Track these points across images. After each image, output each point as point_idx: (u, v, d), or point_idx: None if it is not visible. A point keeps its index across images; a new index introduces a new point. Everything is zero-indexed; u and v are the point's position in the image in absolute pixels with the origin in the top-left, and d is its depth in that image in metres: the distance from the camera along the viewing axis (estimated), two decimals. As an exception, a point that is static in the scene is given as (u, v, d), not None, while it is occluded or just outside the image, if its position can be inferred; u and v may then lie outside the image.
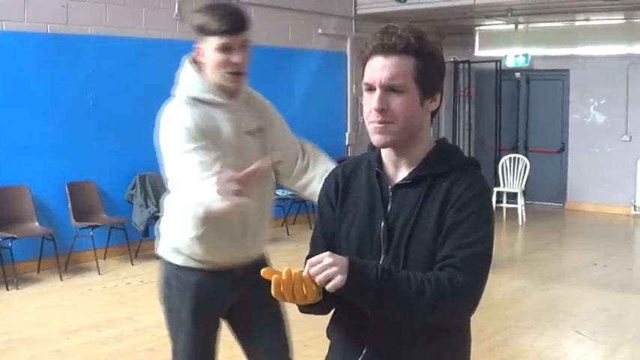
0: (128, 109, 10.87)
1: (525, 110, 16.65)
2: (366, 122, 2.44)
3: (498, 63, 16.36)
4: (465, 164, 2.57)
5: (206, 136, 3.51)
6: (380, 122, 2.37)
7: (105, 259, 10.42)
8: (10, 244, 9.10)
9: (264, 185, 3.74)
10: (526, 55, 16.16)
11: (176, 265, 3.79)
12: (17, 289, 9.02)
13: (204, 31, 3.58)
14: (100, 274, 9.81)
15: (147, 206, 10.70)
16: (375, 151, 2.58)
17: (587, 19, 14.98)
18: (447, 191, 2.40)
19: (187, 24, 11.38)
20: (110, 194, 10.76)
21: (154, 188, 10.81)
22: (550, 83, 16.04)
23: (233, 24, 3.56)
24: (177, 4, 11.48)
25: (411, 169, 2.47)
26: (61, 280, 9.53)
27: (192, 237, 3.65)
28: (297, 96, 13.75)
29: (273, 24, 13.19)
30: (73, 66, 10.30)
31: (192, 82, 3.69)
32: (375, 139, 2.42)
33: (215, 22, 3.54)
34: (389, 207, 2.46)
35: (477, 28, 16.78)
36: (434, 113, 2.54)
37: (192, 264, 3.73)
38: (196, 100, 3.62)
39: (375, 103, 2.35)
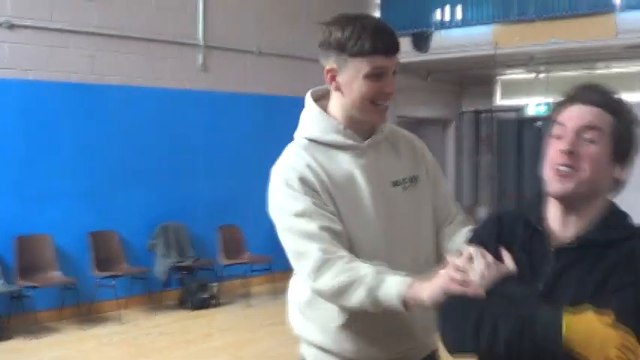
0: (151, 159, 10.91)
1: (547, 159, 16.61)
2: (547, 170, 2.26)
3: (519, 112, 16.37)
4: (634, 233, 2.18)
5: (335, 190, 2.72)
6: (566, 165, 2.17)
7: (126, 309, 10.38)
8: (31, 293, 9.09)
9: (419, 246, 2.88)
10: (547, 104, 16.14)
11: None
12: (37, 338, 8.97)
13: (346, 49, 2.66)
14: (120, 324, 9.76)
15: (169, 256, 10.69)
16: (539, 205, 2.35)
17: (607, 67, 14.99)
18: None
19: (213, 74, 11.53)
20: (132, 244, 10.75)
21: (176, 238, 10.83)
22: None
23: (390, 42, 2.67)
24: (201, 56, 11.56)
25: (580, 229, 2.19)
26: (82, 329, 9.50)
27: (338, 326, 2.75)
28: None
29: (296, 74, 13.20)
30: (97, 115, 10.36)
31: (315, 121, 2.91)
32: (555, 187, 2.20)
33: (367, 38, 2.61)
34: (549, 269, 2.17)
35: (498, 77, 16.80)
36: (618, 186, 2.26)
37: None
38: (319, 144, 2.84)
39: (564, 144, 2.17)
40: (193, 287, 10.70)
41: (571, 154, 2.16)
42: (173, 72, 11.28)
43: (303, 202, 2.66)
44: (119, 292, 10.05)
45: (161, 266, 10.67)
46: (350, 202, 2.71)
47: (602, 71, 15.21)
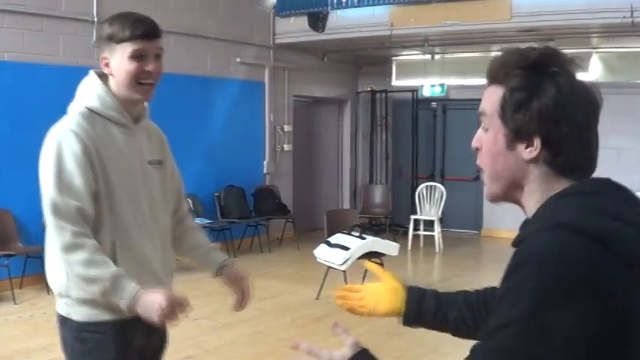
0: (43, 137, 10.73)
1: (442, 139, 16.89)
2: None
3: (415, 93, 16.60)
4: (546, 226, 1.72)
5: (100, 160, 3.20)
6: (479, 166, 1.94)
7: (21, 288, 10.24)
8: None
9: (165, 219, 3.52)
10: (442, 85, 16.41)
11: (87, 322, 3.27)
12: None
13: (113, 38, 3.21)
14: (15, 303, 9.63)
15: (63, 235, 10.57)
16: None
17: (502, 50, 15.27)
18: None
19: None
20: (26, 223, 10.59)
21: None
22: (466, 112, 16.24)
23: (148, 28, 3.23)
24: (94, 32, 11.41)
25: None
26: (15, 303, 9.36)
27: None
28: (215, 125, 13.76)
29: (192, 52, 13.20)
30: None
31: (95, 93, 3.31)
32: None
33: (128, 27, 3.18)
34: None
35: (393, 58, 16.97)
36: (545, 166, 1.83)
37: (107, 316, 3.24)
38: (96, 114, 3.28)
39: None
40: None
41: (476, 151, 1.94)
42: (66, 48, 11.12)
43: (69, 177, 3.15)
44: (13, 272, 9.91)
45: (55, 245, 10.55)
46: (119, 174, 3.25)
47: (497, 53, 15.44)
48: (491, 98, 1.88)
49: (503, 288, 1.68)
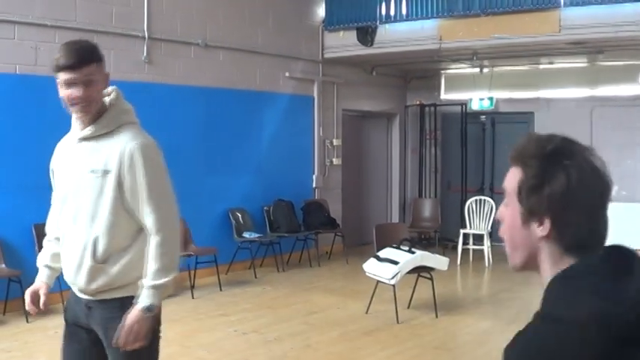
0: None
1: (491, 152, 16.79)
2: None
3: (464, 106, 16.54)
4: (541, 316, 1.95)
5: (56, 172, 3.94)
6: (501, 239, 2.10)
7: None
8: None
9: (92, 226, 3.72)
10: (491, 98, 16.35)
11: None
12: (-18, 331, 8.95)
13: (53, 69, 3.65)
14: (66, 316, 9.72)
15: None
16: None
17: (550, 63, 15.23)
18: None
19: (158, 66, 11.50)
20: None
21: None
22: (515, 126, 16.19)
23: (72, 61, 3.55)
24: (145, 47, 11.54)
25: None
26: (27, 322, 9.44)
27: None
28: (265, 139, 13.81)
29: (241, 67, 13.29)
30: (41, 107, 10.27)
31: None
32: None
33: (55, 59, 3.61)
34: None
35: (442, 71, 16.96)
36: (555, 243, 1.99)
37: None
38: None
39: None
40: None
41: (498, 223, 2.12)
42: (117, 64, 11.24)
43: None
44: (65, 284, 9.98)
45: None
46: (59, 182, 3.90)
47: (545, 66, 15.44)
48: (512, 179, 2.05)
49: None
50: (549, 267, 1.99)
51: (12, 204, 9.95)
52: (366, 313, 9.95)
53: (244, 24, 13.37)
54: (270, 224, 13.61)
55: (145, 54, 11.58)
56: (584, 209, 1.95)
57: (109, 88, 3.79)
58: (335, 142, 15.58)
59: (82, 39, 3.84)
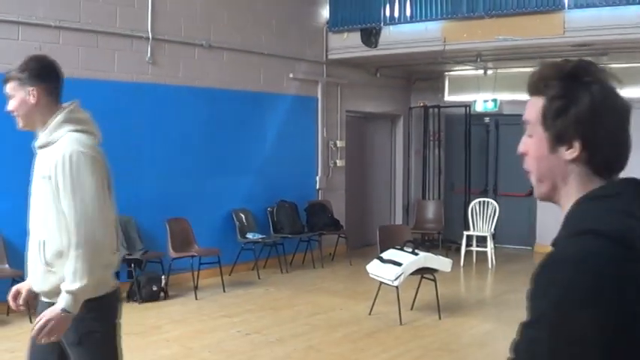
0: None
1: (495, 154, 16.79)
2: None
3: (468, 108, 16.53)
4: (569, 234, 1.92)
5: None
6: (526, 170, 2.10)
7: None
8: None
9: (41, 230, 3.99)
10: (495, 100, 16.35)
11: None
12: (-15, 331, 8.96)
13: None
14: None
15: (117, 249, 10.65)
16: None
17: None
18: None
19: (162, 67, 11.51)
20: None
21: (124, 231, 10.81)
22: (519, 128, 15.70)
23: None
24: (149, 48, 11.55)
25: None
26: (31, 322, 9.41)
27: None
28: (268, 140, 13.81)
29: (245, 68, 13.29)
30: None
31: None
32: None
33: None
34: None
35: (446, 73, 16.96)
36: (582, 166, 1.98)
37: None
38: None
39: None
40: (142, 280, 10.71)
41: (522, 155, 2.11)
42: (121, 65, 11.25)
43: None
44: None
45: (110, 259, 10.63)
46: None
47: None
48: (533, 108, 2.04)
49: (531, 289, 1.83)
50: (575, 191, 1.98)
51: (13, 204, 9.91)
52: (369, 314, 9.95)
53: (248, 25, 13.38)
54: (273, 225, 13.62)
55: (149, 55, 11.58)
56: (610, 129, 1.94)
57: (67, 103, 4.17)
58: (339, 143, 15.59)
59: (39, 55, 4.39)
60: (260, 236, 12.86)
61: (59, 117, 4.03)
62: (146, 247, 11.03)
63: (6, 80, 4.05)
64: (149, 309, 10.32)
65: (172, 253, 11.28)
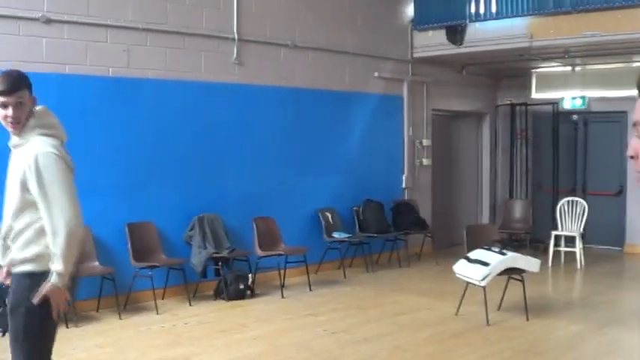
0: (187, 152, 11.04)
1: (583, 152, 16.53)
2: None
3: (555, 105, 16.32)
4: None
5: None
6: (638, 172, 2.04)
7: (163, 299, 10.51)
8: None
9: (16, 209, 4.49)
10: (583, 97, 16.09)
11: None
12: (77, 327, 9.11)
13: None
14: (158, 313, 9.87)
15: (205, 247, 10.78)
16: None
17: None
18: None
19: (248, 67, 11.61)
20: (169, 235, 10.87)
21: (212, 229, 10.92)
22: (608, 125, 15.92)
23: (6, 87, 4.38)
24: (235, 49, 11.65)
25: None
26: (120, 319, 9.61)
27: None
28: (354, 139, 13.83)
29: (330, 67, 13.33)
30: (133, 109, 10.48)
31: None
32: None
33: None
34: None
35: (533, 70, 16.74)
36: None
37: None
38: None
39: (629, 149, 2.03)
40: (229, 278, 10.81)
41: (631, 159, 2.02)
42: (207, 65, 11.37)
43: None
44: (156, 283, 10.19)
45: (197, 257, 10.76)
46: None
47: (639, 64, 15.11)
48: None
49: None
50: None
51: (105, 204, 10.13)
52: (456, 314, 9.88)
53: (333, 24, 13.41)
54: (359, 224, 13.62)
55: (235, 55, 11.69)
56: None
57: (38, 107, 4.57)
58: (425, 142, 15.52)
59: (15, 69, 4.69)
60: (346, 235, 12.87)
61: (31, 122, 4.48)
62: (233, 246, 11.12)
63: (19, 88, 4.42)
64: (236, 307, 10.41)
65: (259, 252, 11.36)
